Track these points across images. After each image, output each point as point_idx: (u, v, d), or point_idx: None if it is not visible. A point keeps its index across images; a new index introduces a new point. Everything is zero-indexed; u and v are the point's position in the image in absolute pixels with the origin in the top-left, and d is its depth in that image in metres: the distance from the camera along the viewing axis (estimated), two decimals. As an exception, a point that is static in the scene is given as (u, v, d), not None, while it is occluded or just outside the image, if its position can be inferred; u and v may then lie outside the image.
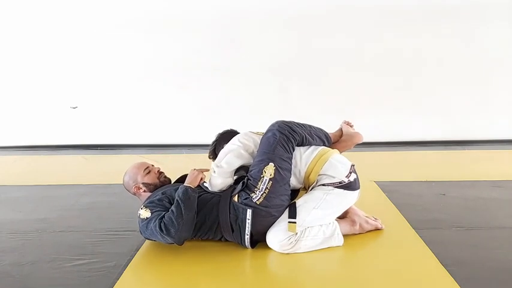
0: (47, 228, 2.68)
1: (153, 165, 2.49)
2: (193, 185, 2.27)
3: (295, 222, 2.19)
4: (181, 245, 2.20)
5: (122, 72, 5.41)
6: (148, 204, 2.26)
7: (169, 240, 2.16)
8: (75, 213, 2.95)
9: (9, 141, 5.62)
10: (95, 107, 5.51)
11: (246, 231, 2.20)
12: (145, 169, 2.43)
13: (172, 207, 2.18)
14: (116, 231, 2.57)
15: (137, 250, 2.28)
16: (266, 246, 2.23)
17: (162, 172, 2.48)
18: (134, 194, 2.45)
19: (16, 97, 5.56)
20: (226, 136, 2.60)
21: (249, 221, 2.18)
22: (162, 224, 2.14)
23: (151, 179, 2.42)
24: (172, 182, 2.50)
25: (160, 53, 5.35)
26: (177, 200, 2.19)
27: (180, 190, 2.23)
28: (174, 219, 2.13)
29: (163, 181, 2.44)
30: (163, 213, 2.19)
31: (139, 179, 2.41)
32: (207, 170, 2.39)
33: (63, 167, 4.62)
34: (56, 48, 5.39)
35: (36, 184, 3.77)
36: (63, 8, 5.31)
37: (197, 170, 2.35)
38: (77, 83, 5.48)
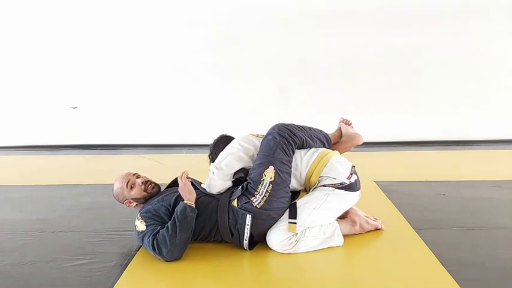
0: (47, 228, 2.68)
1: (137, 176, 2.38)
2: (192, 199, 2.20)
3: (295, 223, 2.19)
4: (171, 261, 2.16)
5: (122, 72, 5.42)
6: (144, 214, 2.23)
7: (161, 258, 2.13)
8: (75, 213, 2.95)
9: (10, 141, 5.62)
10: (95, 107, 5.52)
11: (245, 237, 2.19)
12: (127, 184, 2.34)
13: (168, 224, 2.13)
14: (115, 231, 2.57)
15: (137, 250, 2.28)
16: (266, 246, 2.23)
17: (147, 182, 2.38)
18: (129, 206, 2.40)
19: (16, 97, 5.57)
20: (222, 145, 2.52)
21: (248, 226, 2.17)
22: (155, 242, 2.11)
23: (137, 193, 2.34)
24: (169, 184, 2.49)
25: (160, 53, 5.35)
26: (174, 218, 2.14)
27: (179, 207, 2.17)
28: (167, 238, 2.10)
29: (151, 192, 2.36)
30: (158, 227, 2.16)
31: (127, 195, 2.35)
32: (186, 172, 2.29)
33: (63, 167, 4.63)
34: (56, 48, 5.39)
35: (36, 184, 3.77)
36: (64, 8, 5.31)
37: (181, 179, 2.23)
38: (77, 83, 5.49)
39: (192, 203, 2.20)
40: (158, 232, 2.13)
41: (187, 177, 2.28)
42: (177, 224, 2.12)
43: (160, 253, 2.11)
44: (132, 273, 2.08)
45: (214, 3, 5.22)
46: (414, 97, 5.24)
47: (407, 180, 3.54)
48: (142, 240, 2.17)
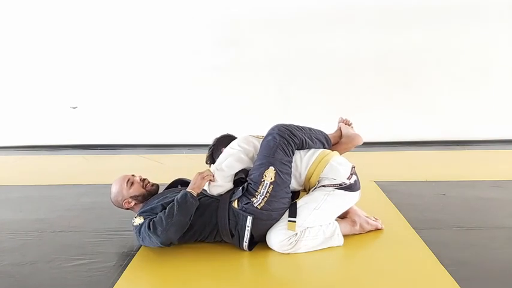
0: (47, 228, 2.67)
1: (133, 175, 2.42)
2: (196, 191, 2.22)
3: (294, 221, 2.19)
4: (168, 246, 2.19)
5: (122, 72, 5.41)
6: (142, 213, 2.26)
7: (155, 239, 2.14)
8: (75, 213, 2.95)
9: (10, 141, 5.62)
10: (95, 107, 5.51)
11: (245, 238, 2.19)
12: (127, 182, 2.37)
13: (167, 207, 2.17)
14: (115, 231, 2.56)
15: (137, 250, 2.28)
16: (266, 246, 2.23)
17: (145, 179, 2.42)
18: (127, 209, 2.41)
19: (16, 97, 5.56)
20: (224, 141, 2.59)
21: (249, 228, 2.18)
22: (151, 223, 2.14)
23: (136, 190, 2.36)
24: (169, 184, 2.50)
25: (161, 53, 5.35)
26: (173, 201, 2.17)
27: (179, 194, 2.20)
28: (163, 218, 2.12)
29: (150, 189, 2.39)
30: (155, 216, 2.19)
31: (126, 193, 2.36)
32: (211, 174, 2.31)
33: (63, 167, 4.62)
34: (56, 48, 5.39)
35: (36, 184, 3.77)
36: (64, 8, 5.31)
37: (201, 175, 2.27)
38: (77, 83, 5.48)
39: (194, 193, 2.20)
40: (156, 216, 2.16)
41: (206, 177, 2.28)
42: (176, 206, 2.14)
43: (155, 232, 2.12)
44: (132, 273, 2.08)
45: (214, 4, 5.22)
46: (414, 97, 5.23)
47: (407, 180, 3.54)
48: (140, 232, 2.18)
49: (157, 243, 2.16)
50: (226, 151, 2.40)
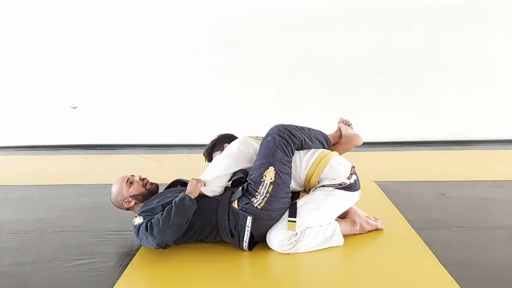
0: (47, 228, 2.67)
1: (133, 175, 2.43)
2: (193, 194, 2.22)
3: (295, 221, 2.19)
4: (163, 248, 2.18)
5: (122, 72, 5.42)
6: (141, 213, 2.26)
7: (151, 241, 2.13)
8: (75, 213, 2.95)
9: (10, 141, 5.62)
10: (95, 107, 5.52)
11: (245, 238, 2.19)
12: (126, 182, 2.38)
13: (165, 209, 2.17)
14: (115, 231, 2.56)
15: (137, 250, 2.28)
16: (266, 246, 2.23)
17: (144, 178, 2.43)
18: (128, 209, 2.41)
19: (16, 97, 5.57)
20: (224, 139, 2.60)
21: (249, 228, 2.18)
22: (148, 224, 2.14)
23: (136, 189, 2.37)
24: (169, 184, 2.50)
25: (161, 53, 5.35)
26: (170, 204, 2.18)
27: (178, 196, 2.20)
28: (160, 220, 2.12)
29: (149, 188, 2.39)
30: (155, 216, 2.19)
31: (126, 193, 2.36)
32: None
33: (63, 167, 4.62)
34: (56, 48, 5.39)
35: (36, 184, 3.77)
36: (64, 8, 5.31)
37: (196, 179, 2.29)
38: (77, 83, 5.48)
39: (192, 196, 2.21)
40: (153, 218, 2.17)
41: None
42: (173, 208, 2.14)
43: (151, 233, 2.12)
44: (132, 273, 2.08)
45: (214, 4, 5.22)
46: (414, 97, 5.23)
47: (407, 180, 3.54)
48: (139, 231, 2.18)
49: (153, 245, 2.16)
50: (224, 152, 2.42)
